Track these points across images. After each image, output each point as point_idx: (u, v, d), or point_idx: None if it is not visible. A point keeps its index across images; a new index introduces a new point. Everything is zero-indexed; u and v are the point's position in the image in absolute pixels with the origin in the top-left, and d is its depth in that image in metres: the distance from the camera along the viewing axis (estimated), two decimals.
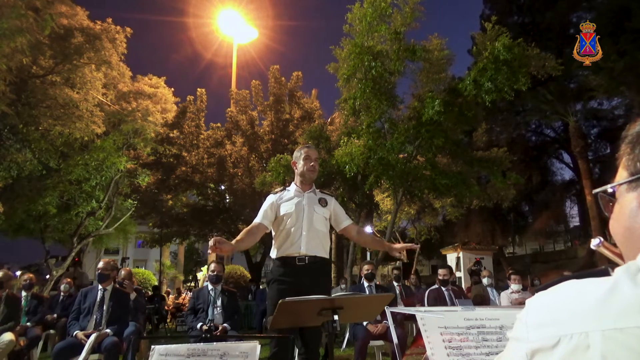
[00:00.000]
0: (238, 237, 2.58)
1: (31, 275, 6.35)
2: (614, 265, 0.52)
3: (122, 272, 5.57)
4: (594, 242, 0.67)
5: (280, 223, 2.71)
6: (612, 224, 0.55)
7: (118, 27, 10.68)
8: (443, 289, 5.33)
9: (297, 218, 2.68)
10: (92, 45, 9.82)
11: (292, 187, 2.84)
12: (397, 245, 2.70)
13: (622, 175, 0.55)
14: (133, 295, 5.38)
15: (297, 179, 2.85)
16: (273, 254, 2.73)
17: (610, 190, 0.57)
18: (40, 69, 9.66)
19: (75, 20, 9.71)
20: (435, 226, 18.74)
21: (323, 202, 2.81)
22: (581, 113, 18.43)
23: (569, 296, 0.44)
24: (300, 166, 2.80)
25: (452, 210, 15.19)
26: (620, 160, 0.57)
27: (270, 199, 2.79)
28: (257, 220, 2.71)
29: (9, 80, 8.53)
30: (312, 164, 2.79)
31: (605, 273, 0.47)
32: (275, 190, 2.89)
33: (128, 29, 10.86)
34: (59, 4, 9.18)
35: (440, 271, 5.43)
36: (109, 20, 10.61)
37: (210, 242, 2.24)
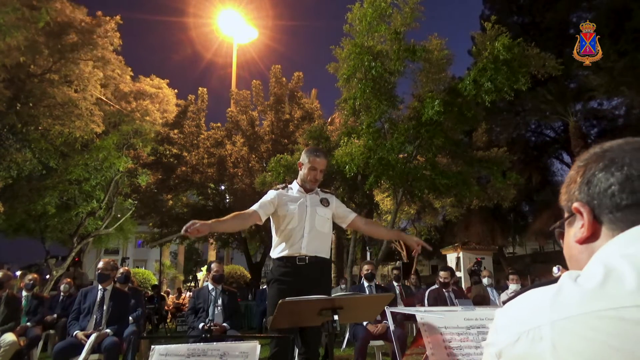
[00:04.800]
0: (221, 218, 2.48)
1: (35, 275, 6.36)
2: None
3: (120, 270, 5.57)
4: (555, 271, 0.77)
5: (281, 223, 2.68)
6: (564, 251, 0.67)
7: (108, 18, 10.40)
8: (444, 290, 5.33)
9: (299, 219, 2.65)
10: (86, 41, 9.72)
11: (295, 187, 2.81)
12: (414, 239, 2.67)
13: (565, 214, 0.67)
14: None
15: (299, 180, 2.82)
16: (273, 253, 2.71)
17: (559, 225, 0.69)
18: (38, 68, 9.64)
19: (68, 17, 9.61)
20: (435, 226, 18.72)
21: (325, 203, 2.78)
22: (581, 113, 18.41)
23: (528, 300, 0.53)
24: (303, 173, 2.75)
25: (452, 210, 15.17)
26: (561, 201, 0.67)
27: (272, 193, 2.74)
28: (253, 208, 2.65)
29: (4, 77, 8.52)
30: (315, 175, 2.73)
31: None
32: (277, 186, 2.84)
33: (117, 17, 10.58)
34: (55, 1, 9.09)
35: (442, 274, 5.39)
36: (99, 13, 10.33)
37: (182, 231, 2.19)
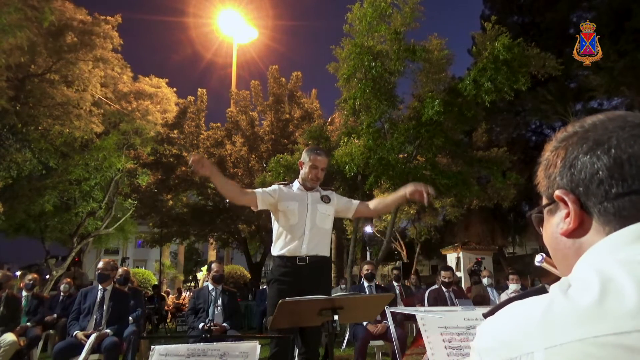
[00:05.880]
0: (224, 178, 2.60)
1: (35, 275, 6.36)
2: (551, 283, 0.55)
3: (119, 271, 5.57)
4: (537, 259, 0.74)
5: (282, 220, 2.68)
6: (544, 240, 0.62)
7: (108, 17, 10.39)
8: (444, 289, 5.33)
9: (300, 217, 2.66)
10: (85, 42, 9.71)
11: (296, 185, 2.81)
12: (409, 188, 2.55)
13: (544, 200, 0.61)
14: None
15: (300, 178, 2.82)
16: (274, 250, 2.71)
17: (537, 212, 0.63)
18: (38, 68, 9.63)
19: (68, 18, 9.59)
20: (435, 226, 18.73)
21: (326, 199, 2.78)
22: (581, 113, 18.39)
23: (513, 318, 0.47)
24: (305, 172, 2.75)
25: (452, 210, 15.18)
26: (540, 186, 0.61)
27: (275, 186, 2.77)
28: (254, 190, 2.70)
29: (7, 77, 8.53)
30: (316, 174, 2.73)
31: (543, 291, 0.51)
32: (280, 183, 2.87)
33: (117, 16, 10.54)
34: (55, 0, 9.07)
35: (444, 273, 5.39)
36: (96, 14, 10.35)
37: (193, 158, 2.29)
